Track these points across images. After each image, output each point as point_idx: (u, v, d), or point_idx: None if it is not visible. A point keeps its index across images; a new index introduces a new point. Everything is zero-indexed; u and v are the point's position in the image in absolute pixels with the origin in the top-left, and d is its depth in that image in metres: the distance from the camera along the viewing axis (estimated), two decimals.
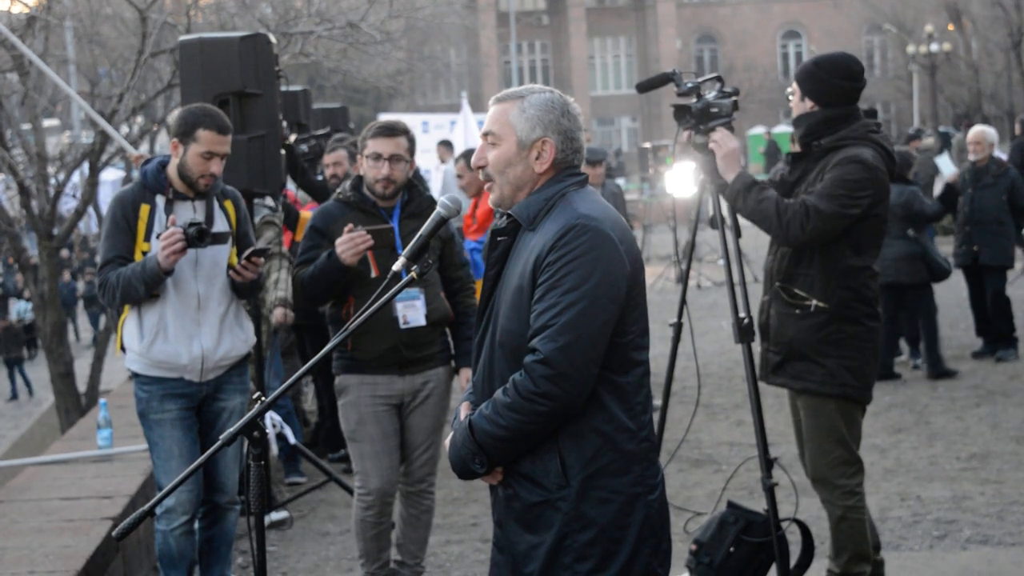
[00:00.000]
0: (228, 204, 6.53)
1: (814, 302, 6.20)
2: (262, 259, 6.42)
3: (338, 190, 6.78)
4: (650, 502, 4.06)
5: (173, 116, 6.68)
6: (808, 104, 6.26)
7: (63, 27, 16.69)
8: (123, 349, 6.53)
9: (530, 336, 3.92)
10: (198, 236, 6.11)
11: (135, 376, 6.46)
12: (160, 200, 6.32)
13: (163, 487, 6.33)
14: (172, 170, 6.33)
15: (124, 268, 6.20)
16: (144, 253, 6.25)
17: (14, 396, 24.49)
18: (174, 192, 6.33)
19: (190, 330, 6.34)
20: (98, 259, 6.44)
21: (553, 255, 3.91)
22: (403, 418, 6.62)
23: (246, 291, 6.54)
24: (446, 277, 6.71)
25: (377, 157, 6.47)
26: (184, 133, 6.28)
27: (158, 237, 6.15)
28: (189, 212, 6.33)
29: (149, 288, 6.18)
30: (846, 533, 6.31)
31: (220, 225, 6.42)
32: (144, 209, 6.30)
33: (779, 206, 6.13)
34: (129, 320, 6.40)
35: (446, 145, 23.52)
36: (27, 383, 23.96)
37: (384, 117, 15.63)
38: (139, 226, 6.29)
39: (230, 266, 6.43)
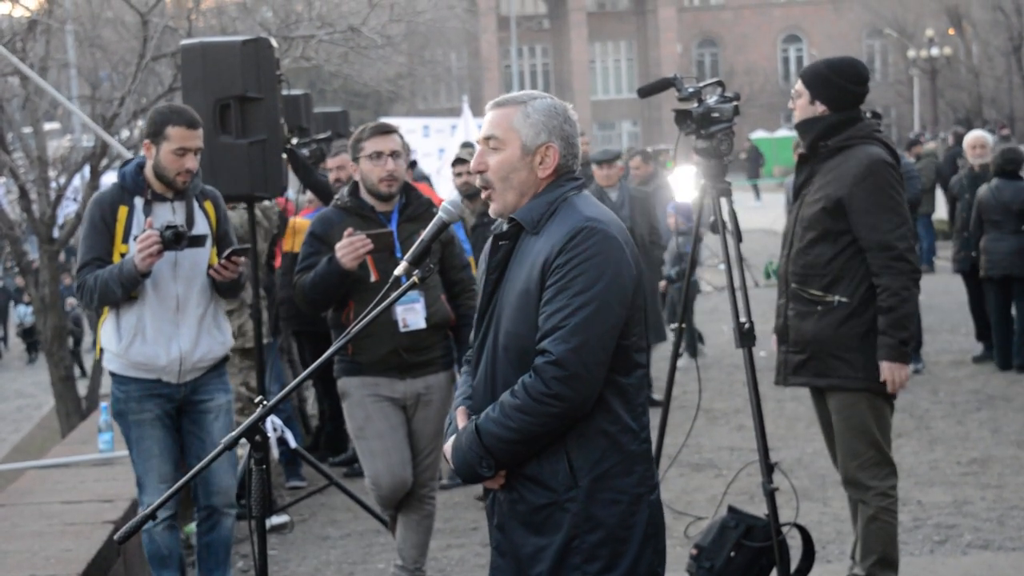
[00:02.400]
0: (208, 204, 6.53)
1: (836, 298, 6.21)
2: (243, 258, 6.43)
3: (336, 197, 6.80)
4: (651, 502, 4.12)
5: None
6: (819, 108, 6.26)
7: (64, 31, 16.70)
8: (102, 350, 6.53)
9: (539, 338, 3.94)
10: (174, 239, 6.11)
11: (112, 375, 6.45)
12: (139, 201, 6.31)
13: (144, 486, 6.36)
14: (149, 171, 6.34)
15: (102, 270, 6.19)
16: (123, 255, 6.24)
17: None
18: (152, 193, 6.32)
19: (168, 331, 6.34)
20: (76, 261, 6.44)
21: (562, 257, 3.94)
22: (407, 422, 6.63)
23: (227, 290, 6.54)
24: (447, 280, 6.71)
25: (378, 155, 6.49)
26: (154, 133, 6.28)
27: (136, 239, 6.16)
28: (168, 213, 6.33)
29: (127, 290, 6.18)
30: (876, 534, 6.27)
31: (201, 226, 6.41)
32: (122, 211, 6.30)
33: (901, 295, 6.08)
34: (107, 321, 6.40)
35: (467, 148, 23.48)
36: None
37: (383, 120, 15.60)
38: (117, 228, 6.29)
39: (210, 265, 6.43)
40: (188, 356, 6.38)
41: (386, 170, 6.49)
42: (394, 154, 6.52)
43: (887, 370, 6.12)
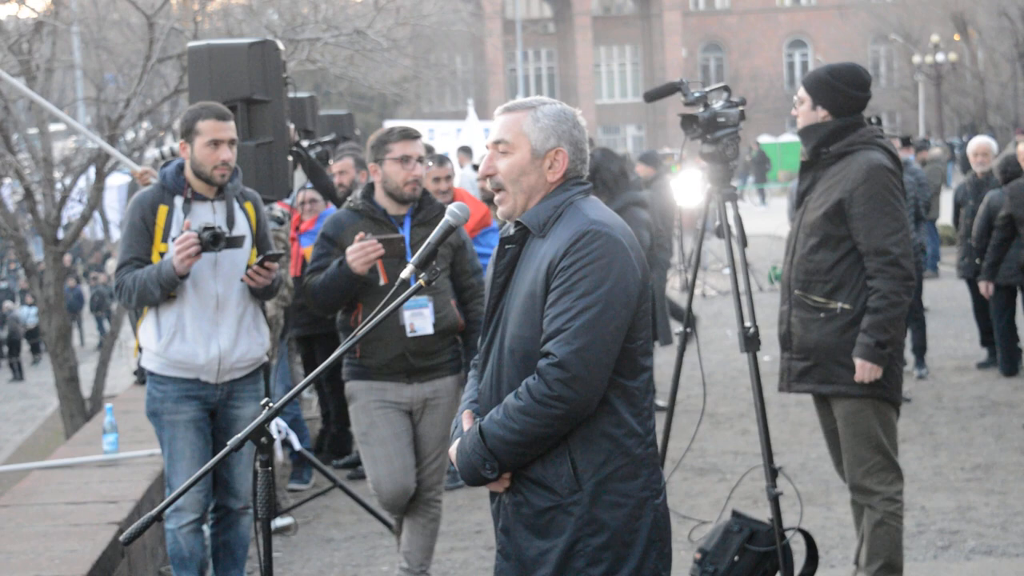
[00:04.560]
0: (248, 206, 6.55)
1: (839, 304, 6.22)
2: (276, 263, 6.44)
3: (349, 199, 6.81)
4: (656, 506, 4.13)
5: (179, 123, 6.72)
6: (821, 113, 6.27)
7: (70, 32, 16.72)
8: (140, 350, 6.55)
9: (543, 340, 3.97)
10: (212, 240, 6.14)
11: (150, 375, 6.47)
12: (179, 201, 6.34)
13: (174, 486, 6.37)
14: (189, 172, 6.37)
15: (140, 271, 6.22)
16: (162, 254, 6.28)
17: None
18: (193, 193, 6.35)
19: (208, 331, 6.36)
20: (114, 261, 6.47)
21: (567, 260, 3.96)
22: (413, 427, 6.63)
23: (262, 294, 6.55)
24: (458, 285, 6.71)
25: (407, 159, 6.50)
26: (187, 131, 6.33)
27: (174, 240, 6.18)
28: (208, 214, 6.36)
29: (164, 291, 6.21)
30: (882, 539, 6.29)
31: (241, 227, 6.43)
32: (162, 210, 6.33)
33: (889, 298, 6.10)
34: (147, 320, 6.42)
35: (465, 151, 23.52)
36: None
37: (389, 124, 15.62)
38: (157, 228, 6.32)
39: (247, 267, 6.45)
40: (227, 356, 6.40)
41: (413, 175, 6.51)
42: (420, 159, 6.56)
43: (859, 368, 6.14)
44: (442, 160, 9.52)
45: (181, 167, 6.41)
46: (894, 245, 6.11)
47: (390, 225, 6.54)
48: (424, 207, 6.64)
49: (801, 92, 6.36)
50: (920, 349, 13.01)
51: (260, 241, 6.58)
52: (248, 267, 6.43)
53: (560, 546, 4.04)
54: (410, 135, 6.58)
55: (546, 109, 4.16)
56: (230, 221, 6.39)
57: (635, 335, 4.05)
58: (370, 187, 6.66)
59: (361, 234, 6.35)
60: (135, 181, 10.29)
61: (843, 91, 6.25)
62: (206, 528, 6.99)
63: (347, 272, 6.32)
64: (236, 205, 6.47)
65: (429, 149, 10.02)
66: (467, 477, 4.11)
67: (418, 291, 4.14)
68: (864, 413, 6.26)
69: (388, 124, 13.71)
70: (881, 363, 6.13)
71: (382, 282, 6.46)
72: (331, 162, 10.22)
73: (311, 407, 12.23)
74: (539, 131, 4.12)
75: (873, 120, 6.52)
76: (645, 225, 10.40)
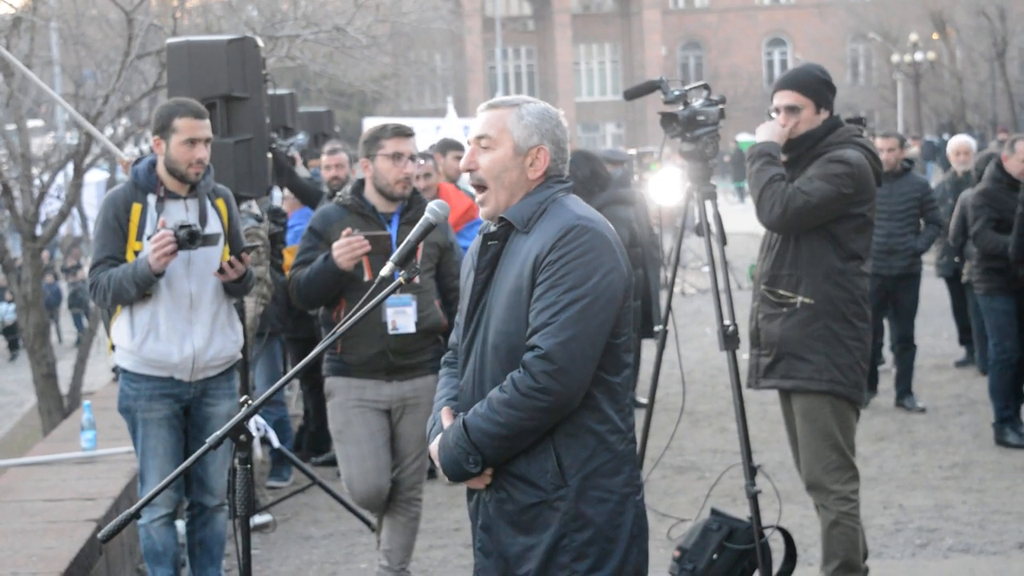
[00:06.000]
0: (220, 203, 6.54)
1: (800, 299, 6.23)
2: (248, 256, 6.43)
3: (338, 194, 6.79)
4: (637, 502, 4.16)
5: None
6: (824, 115, 6.29)
7: (48, 28, 16.65)
8: (114, 348, 6.53)
9: (529, 334, 3.98)
10: (189, 238, 6.12)
11: (123, 372, 6.45)
12: (152, 199, 6.32)
13: (146, 483, 6.37)
14: (161, 169, 6.34)
15: (115, 269, 6.20)
16: (136, 253, 6.25)
17: None
18: (165, 191, 6.33)
19: (182, 329, 6.34)
20: (89, 259, 6.44)
21: (554, 255, 3.98)
22: (393, 426, 6.62)
23: (235, 289, 6.54)
24: (443, 286, 6.69)
25: (399, 157, 6.47)
26: (162, 128, 6.29)
27: (149, 238, 6.16)
28: (181, 211, 6.34)
29: (141, 290, 6.19)
30: (837, 539, 6.30)
31: (213, 224, 6.42)
32: (136, 208, 6.30)
33: (772, 183, 6.16)
34: (120, 318, 6.40)
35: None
36: None
37: (369, 121, 15.57)
38: (131, 226, 6.29)
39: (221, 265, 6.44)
40: (201, 354, 6.38)
41: (404, 172, 6.49)
42: (412, 157, 6.54)
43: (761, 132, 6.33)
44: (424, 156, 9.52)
45: (153, 164, 6.38)
46: (806, 183, 6.19)
47: (378, 222, 6.53)
48: (414, 206, 6.60)
49: (797, 98, 6.25)
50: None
51: (232, 238, 6.57)
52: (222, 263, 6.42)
53: (545, 542, 4.05)
54: (403, 132, 6.55)
55: (530, 107, 4.17)
56: (203, 219, 6.37)
57: (619, 331, 4.07)
58: (361, 183, 6.64)
59: (348, 230, 6.34)
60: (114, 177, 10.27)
61: (834, 90, 6.32)
62: (180, 524, 6.98)
63: (332, 267, 6.32)
64: (208, 203, 6.45)
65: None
66: (450, 472, 4.11)
67: (401, 289, 4.13)
68: (822, 410, 6.27)
69: (368, 121, 13.68)
70: (758, 151, 6.27)
71: (367, 278, 6.45)
72: (324, 156, 10.24)
73: (291, 403, 12.21)
74: (522, 128, 4.13)
75: (856, 119, 6.54)
76: (626, 223, 10.42)
